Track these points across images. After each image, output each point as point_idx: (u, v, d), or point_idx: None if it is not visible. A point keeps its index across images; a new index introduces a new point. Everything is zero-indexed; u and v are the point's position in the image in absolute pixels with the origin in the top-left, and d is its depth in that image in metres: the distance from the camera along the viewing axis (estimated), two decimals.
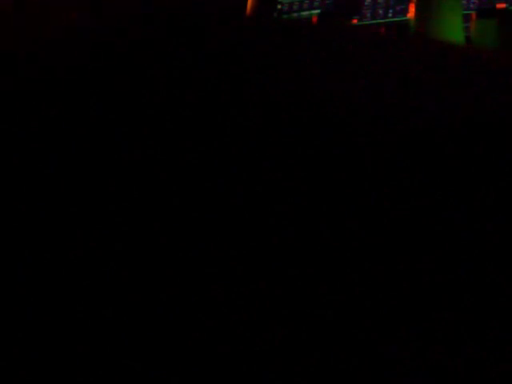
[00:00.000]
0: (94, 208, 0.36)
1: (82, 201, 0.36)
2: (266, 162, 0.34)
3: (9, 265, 0.35)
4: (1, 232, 0.36)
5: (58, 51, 0.42)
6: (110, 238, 0.35)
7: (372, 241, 0.33)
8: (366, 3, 3.06)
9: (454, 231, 0.34)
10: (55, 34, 0.43)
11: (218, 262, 0.34)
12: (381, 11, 3.05)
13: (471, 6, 2.72)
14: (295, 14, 3.25)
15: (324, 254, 0.33)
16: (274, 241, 0.33)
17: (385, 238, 0.33)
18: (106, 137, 0.37)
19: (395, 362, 0.32)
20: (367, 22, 3.04)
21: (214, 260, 0.34)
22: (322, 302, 0.33)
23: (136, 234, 0.35)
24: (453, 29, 2.12)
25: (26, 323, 0.35)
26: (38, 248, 0.36)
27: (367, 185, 0.34)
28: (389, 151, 0.35)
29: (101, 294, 0.35)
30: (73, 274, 0.35)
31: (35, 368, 0.34)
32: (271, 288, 0.33)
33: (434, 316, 0.33)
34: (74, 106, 0.37)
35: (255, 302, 0.33)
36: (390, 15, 3.02)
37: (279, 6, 3.30)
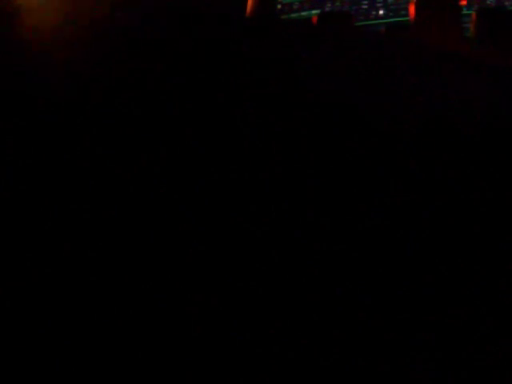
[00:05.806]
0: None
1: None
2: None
3: (10, 264, 0.35)
4: (3, 232, 0.35)
5: None
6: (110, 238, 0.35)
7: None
8: (365, 4, 3.06)
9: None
10: None
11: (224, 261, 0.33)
12: (381, 12, 3.05)
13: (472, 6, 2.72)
14: (295, 14, 3.26)
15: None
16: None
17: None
18: None
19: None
20: (368, 23, 3.04)
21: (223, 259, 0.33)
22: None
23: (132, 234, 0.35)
24: (452, 29, 2.12)
25: (26, 322, 0.34)
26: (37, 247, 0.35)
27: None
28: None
29: (100, 294, 0.34)
30: (72, 275, 0.35)
31: (35, 367, 0.34)
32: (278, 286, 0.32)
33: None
34: None
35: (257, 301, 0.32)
36: (392, 14, 3.02)
37: (279, 6, 3.31)
